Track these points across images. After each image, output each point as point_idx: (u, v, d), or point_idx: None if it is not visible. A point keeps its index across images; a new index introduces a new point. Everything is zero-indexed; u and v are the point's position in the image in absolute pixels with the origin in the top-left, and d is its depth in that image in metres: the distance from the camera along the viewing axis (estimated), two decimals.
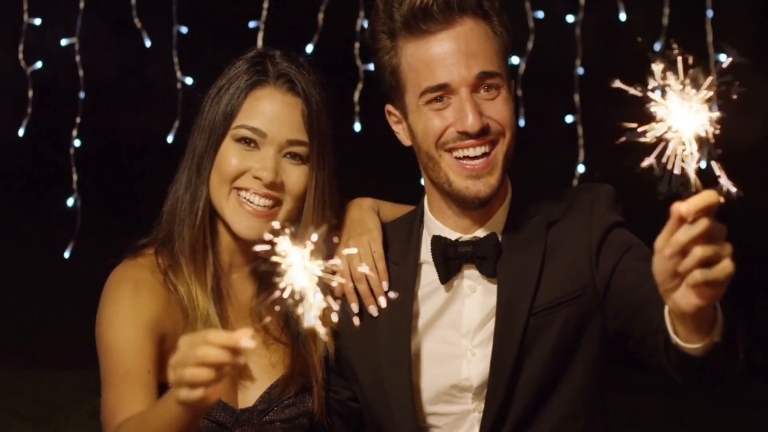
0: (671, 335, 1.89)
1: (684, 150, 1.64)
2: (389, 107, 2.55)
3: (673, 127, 1.64)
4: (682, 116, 1.64)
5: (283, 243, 1.75)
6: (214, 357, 1.80)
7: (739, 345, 1.93)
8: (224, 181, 2.49)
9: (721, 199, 1.64)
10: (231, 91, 2.51)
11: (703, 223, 1.63)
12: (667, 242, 1.68)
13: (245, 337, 1.79)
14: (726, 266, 1.66)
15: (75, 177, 5.45)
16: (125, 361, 2.36)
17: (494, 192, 2.42)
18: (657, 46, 4.98)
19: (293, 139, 2.51)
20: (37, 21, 5.25)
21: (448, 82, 2.38)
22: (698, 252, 1.65)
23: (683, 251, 1.67)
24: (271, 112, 2.50)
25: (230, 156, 2.49)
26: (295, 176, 2.51)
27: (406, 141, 2.53)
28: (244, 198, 2.49)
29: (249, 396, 2.52)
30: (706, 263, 1.66)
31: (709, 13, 5.00)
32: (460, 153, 2.41)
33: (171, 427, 2.01)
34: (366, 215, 2.64)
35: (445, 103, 2.40)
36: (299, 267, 1.74)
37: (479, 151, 2.40)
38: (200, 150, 2.52)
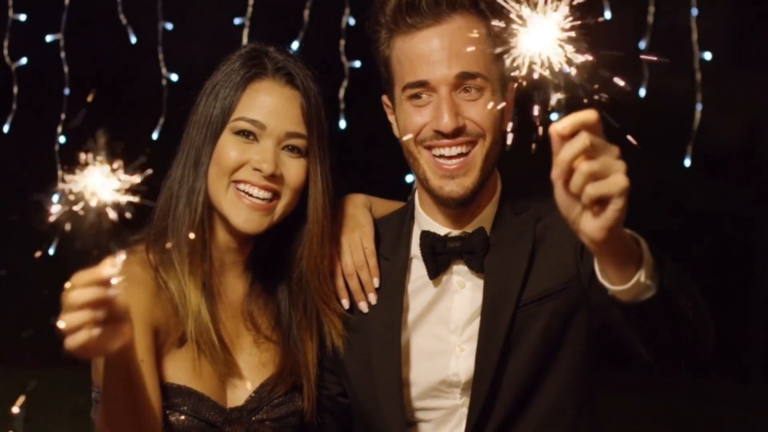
0: (599, 277, 1.86)
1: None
2: (384, 98, 2.57)
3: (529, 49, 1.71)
4: (534, 38, 1.71)
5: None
6: (82, 297, 1.78)
7: (677, 297, 1.89)
8: (223, 174, 2.48)
9: (597, 115, 1.66)
10: (228, 85, 2.51)
11: (582, 138, 1.65)
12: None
13: (107, 267, 1.78)
14: (618, 179, 1.66)
15: (60, 173, 5.42)
16: None
17: (469, 193, 2.42)
18: (642, 45, 4.99)
19: (292, 131, 2.50)
20: (22, 17, 5.22)
21: (428, 80, 2.39)
22: (584, 166, 1.65)
23: (573, 172, 1.67)
24: (270, 105, 2.50)
25: (229, 149, 2.49)
26: (294, 169, 2.51)
27: (397, 133, 2.54)
28: (243, 191, 2.48)
29: (238, 395, 2.51)
30: (597, 178, 1.66)
31: (694, 12, 5.01)
32: (436, 151, 2.41)
33: (109, 381, 2.00)
34: (359, 212, 2.65)
35: (425, 101, 2.41)
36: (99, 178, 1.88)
37: (455, 151, 2.40)
38: (198, 144, 2.51)
